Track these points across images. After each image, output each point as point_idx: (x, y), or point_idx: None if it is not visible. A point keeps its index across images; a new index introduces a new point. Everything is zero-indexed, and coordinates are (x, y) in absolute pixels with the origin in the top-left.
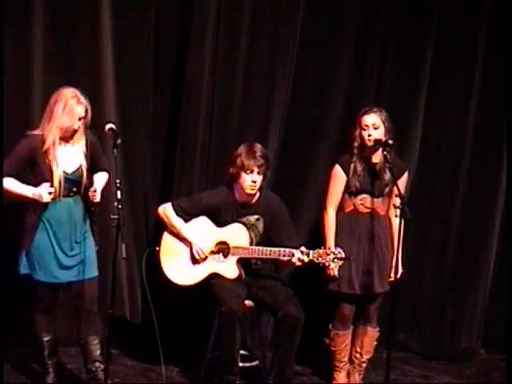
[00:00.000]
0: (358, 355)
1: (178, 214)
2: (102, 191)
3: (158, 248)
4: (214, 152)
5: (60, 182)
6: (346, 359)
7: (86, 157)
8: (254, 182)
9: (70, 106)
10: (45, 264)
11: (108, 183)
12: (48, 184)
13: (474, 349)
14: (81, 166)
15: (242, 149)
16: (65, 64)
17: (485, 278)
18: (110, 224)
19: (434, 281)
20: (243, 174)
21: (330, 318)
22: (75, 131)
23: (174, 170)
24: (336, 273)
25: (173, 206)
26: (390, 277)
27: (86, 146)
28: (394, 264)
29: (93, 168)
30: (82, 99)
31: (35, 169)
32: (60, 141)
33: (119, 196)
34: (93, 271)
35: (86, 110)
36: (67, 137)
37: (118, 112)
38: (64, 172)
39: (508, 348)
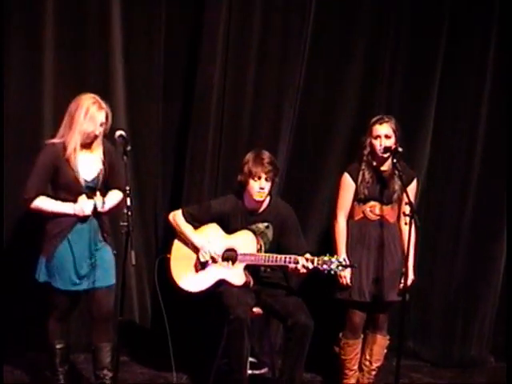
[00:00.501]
0: (367, 363)
1: (187, 221)
2: (128, 219)
3: (168, 255)
4: (223, 160)
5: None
6: (355, 367)
7: (104, 164)
8: (262, 188)
9: (92, 112)
10: (64, 272)
11: (119, 204)
12: (84, 196)
13: (484, 357)
14: (99, 174)
15: (249, 156)
16: (75, 74)
17: (494, 286)
18: (120, 231)
19: (444, 289)
20: (251, 181)
21: (340, 326)
22: (96, 137)
23: (183, 178)
24: (348, 281)
25: (183, 213)
26: (400, 285)
27: (104, 153)
28: (404, 271)
29: (107, 180)
30: (103, 104)
31: (57, 177)
32: (80, 147)
33: (129, 203)
34: (110, 279)
35: (107, 116)
36: (87, 143)
37: (127, 120)
38: (84, 180)
39: (508, 356)
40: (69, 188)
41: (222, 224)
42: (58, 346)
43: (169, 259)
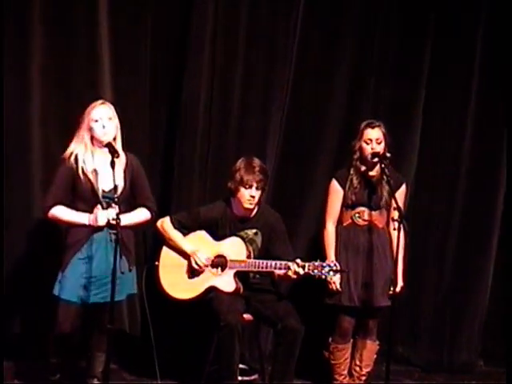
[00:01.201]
0: (357, 368)
1: (175, 228)
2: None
3: (157, 263)
4: (211, 166)
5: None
6: (345, 372)
7: (125, 177)
8: (253, 196)
9: (93, 106)
10: (76, 283)
11: (144, 223)
12: (100, 207)
13: (473, 361)
14: (117, 186)
15: (240, 163)
16: (63, 81)
17: (483, 291)
18: (109, 239)
19: (433, 294)
20: (242, 189)
21: (330, 331)
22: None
23: (172, 185)
24: (338, 286)
25: (171, 220)
26: (390, 290)
27: (126, 164)
28: (393, 277)
29: (133, 195)
30: (108, 104)
31: (75, 186)
32: (96, 154)
33: (117, 210)
34: (118, 295)
35: (114, 115)
36: (101, 148)
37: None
38: (102, 190)
39: (508, 362)
40: (86, 198)
41: (211, 231)
42: (56, 361)
43: (157, 267)
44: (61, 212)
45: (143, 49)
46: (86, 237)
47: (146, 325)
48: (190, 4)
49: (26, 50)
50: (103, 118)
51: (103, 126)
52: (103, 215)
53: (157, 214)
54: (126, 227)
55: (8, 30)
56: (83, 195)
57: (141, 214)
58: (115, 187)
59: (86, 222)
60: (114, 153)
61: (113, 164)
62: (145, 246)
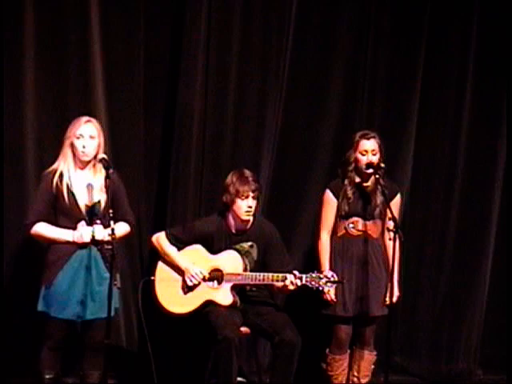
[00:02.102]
0: (355, 379)
1: (171, 243)
2: (112, 242)
3: (153, 277)
4: (206, 180)
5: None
6: (343, 383)
7: (107, 192)
8: (250, 207)
9: (77, 120)
10: (62, 300)
11: (125, 236)
12: (84, 223)
13: (472, 370)
14: (100, 201)
15: (232, 176)
16: (56, 93)
17: (480, 299)
18: (104, 254)
19: (430, 303)
20: (238, 201)
21: (327, 342)
22: (87, 155)
23: (167, 199)
24: (333, 297)
25: (166, 234)
26: (385, 300)
27: (108, 182)
28: (389, 287)
29: (113, 210)
30: (93, 120)
31: (57, 202)
32: (79, 172)
33: (112, 225)
34: (105, 312)
35: (97, 132)
36: (84, 165)
37: (110, 142)
38: (85, 205)
39: (508, 369)
40: (68, 214)
41: (207, 244)
42: (48, 377)
43: (153, 281)
44: (44, 229)
45: (136, 62)
46: (69, 253)
47: (144, 340)
48: (183, 17)
49: (18, 64)
50: (85, 137)
51: (83, 146)
52: (88, 232)
53: (136, 227)
54: (108, 243)
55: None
56: (66, 211)
57: (122, 228)
58: (99, 203)
59: (70, 239)
60: (108, 168)
61: (108, 177)
62: (141, 260)
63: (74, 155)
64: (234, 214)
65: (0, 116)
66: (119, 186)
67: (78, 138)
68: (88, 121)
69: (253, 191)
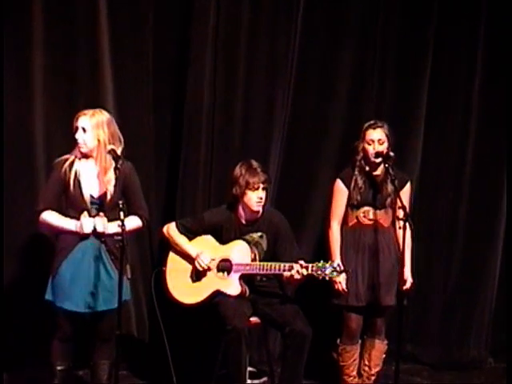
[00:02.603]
0: (366, 368)
1: (181, 233)
2: (122, 234)
3: (164, 268)
4: (216, 171)
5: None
6: (354, 373)
7: (116, 184)
8: (261, 198)
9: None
10: (66, 291)
11: (137, 231)
12: (86, 213)
13: (483, 358)
14: (106, 193)
15: (241, 168)
16: (64, 86)
17: (491, 286)
18: (114, 245)
19: (441, 291)
20: (249, 193)
21: (338, 332)
22: (82, 147)
23: (176, 190)
24: (344, 287)
25: (176, 225)
26: (398, 289)
27: (118, 173)
28: (400, 276)
29: (126, 204)
30: (90, 113)
31: (65, 192)
32: (88, 162)
33: (122, 217)
34: (112, 303)
35: (92, 126)
36: (87, 156)
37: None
38: (90, 196)
39: (508, 355)
40: (74, 204)
41: (216, 235)
42: (59, 368)
43: (164, 272)
44: (50, 217)
45: (145, 52)
46: (74, 244)
47: (155, 330)
48: (192, 7)
49: (26, 55)
50: (79, 129)
51: (77, 138)
52: (89, 223)
53: (148, 222)
54: (115, 235)
55: (8, 41)
56: (72, 201)
57: (133, 223)
58: (105, 195)
59: (74, 229)
60: (117, 159)
61: (116, 171)
62: (151, 251)
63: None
64: (245, 206)
65: (8, 108)
66: (132, 178)
67: (74, 130)
68: (84, 114)
69: (263, 182)
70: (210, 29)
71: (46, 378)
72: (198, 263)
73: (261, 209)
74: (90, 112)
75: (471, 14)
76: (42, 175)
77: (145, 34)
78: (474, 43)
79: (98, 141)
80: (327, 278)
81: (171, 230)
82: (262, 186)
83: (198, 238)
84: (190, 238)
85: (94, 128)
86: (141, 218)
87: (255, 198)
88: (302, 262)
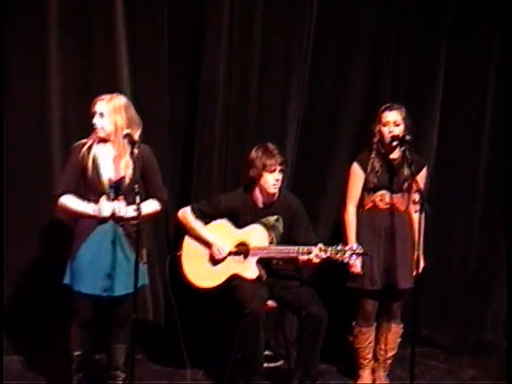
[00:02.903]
0: (382, 352)
1: (197, 217)
2: (138, 217)
3: (179, 252)
4: (231, 155)
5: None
6: (370, 356)
7: (134, 168)
8: (278, 180)
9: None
10: (84, 274)
11: (154, 214)
12: (105, 197)
13: (500, 341)
14: (125, 177)
15: (257, 151)
16: (80, 69)
17: (508, 271)
18: (132, 229)
19: (458, 274)
20: (265, 175)
21: (353, 315)
22: (102, 136)
23: (192, 174)
24: (359, 270)
25: (192, 209)
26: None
27: (136, 157)
28: (416, 259)
29: (144, 187)
30: (106, 98)
31: (84, 175)
32: (106, 146)
33: (138, 200)
34: (129, 287)
35: (109, 111)
36: (104, 140)
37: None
38: (109, 179)
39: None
40: (92, 187)
41: (232, 219)
42: (76, 353)
43: (180, 256)
44: (69, 201)
45: (160, 34)
46: (92, 228)
47: (171, 314)
48: None
49: (43, 39)
50: (96, 113)
51: (94, 123)
52: (107, 206)
53: (167, 204)
54: (134, 219)
55: (26, 24)
56: (90, 185)
57: (151, 206)
58: (123, 179)
59: (92, 213)
60: (133, 143)
61: (132, 153)
62: (167, 235)
63: None
64: (261, 188)
65: (23, 93)
66: (150, 161)
67: (91, 115)
68: (101, 99)
69: (279, 164)
70: (226, 8)
71: (64, 363)
72: (215, 253)
73: (277, 191)
74: (107, 97)
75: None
76: (58, 160)
77: (160, 15)
78: (490, 30)
79: (115, 126)
80: (346, 261)
81: (187, 214)
82: (278, 168)
83: (214, 223)
84: (206, 223)
85: (111, 113)
86: (160, 200)
87: (272, 181)
88: (321, 245)
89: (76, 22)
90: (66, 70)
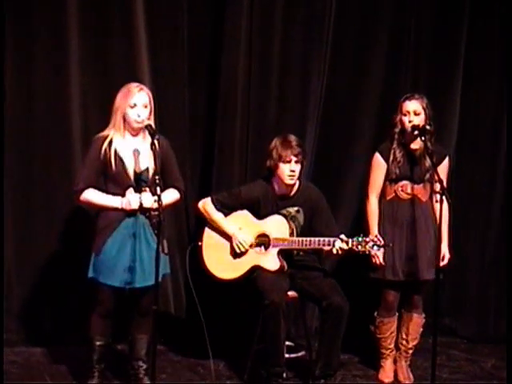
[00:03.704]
0: (404, 342)
1: (217, 209)
2: (159, 208)
3: (200, 243)
4: (251, 145)
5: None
6: (392, 346)
7: (155, 159)
8: (293, 171)
9: (129, 89)
10: (111, 267)
11: (175, 203)
12: (132, 189)
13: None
14: (149, 168)
15: (276, 141)
16: (100, 59)
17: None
18: (152, 221)
19: (477, 264)
20: (281, 165)
21: (375, 305)
22: (140, 123)
23: (212, 165)
24: (382, 260)
25: (212, 200)
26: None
27: (154, 148)
28: (437, 250)
29: (163, 177)
30: (144, 88)
31: (106, 169)
32: (128, 138)
33: (158, 192)
34: (151, 278)
35: (149, 100)
36: (135, 132)
37: (154, 110)
38: (134, 171)
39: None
40: (117, 180)
41: (253, 210)
42: (98, 343)
43: (201, 247)
44: (93, 195)
45: (180, 27)
46: (118, 220)
47: (191, 306)
48: None
49: (63, 30)
50: (138, 106)
51: (138, 115)
52: (136, 199)
53: (185, 194)
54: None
55: (44, 16)
56: (115, 178)
57: (171, 195)
58: (147, 170)
59: (119, 206)
60: (153, 134)
61: (153, 146)
62: (187, 226)
63: (125, 122)
64: (278, 179)
65: (44, 83)
66: (168, 152)
67: (132, 107)
68: (141, 89)
69: (295, 155)
70: (245, 3)
71: (86, 353)
72: (237, 245)
73: (293, 182)
74: (144, 87)
75: None
76: (78, 151)
77: (180, 7)
78: (509, 17)
79: (150, 115)
80: (367, 252)
81: (207, 205)
82: (294, 159)
83: (235, 214)
84: (226, 214)
85: (151, 102)
86: (179, 190)
87: (287, 171)
88: (342, 237)
89: (96, 15)
90: (87, 62)
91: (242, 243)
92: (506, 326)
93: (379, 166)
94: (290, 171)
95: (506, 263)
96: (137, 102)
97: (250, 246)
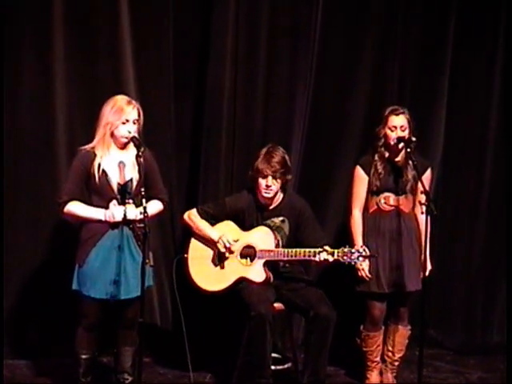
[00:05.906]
0: (390, 354)
1: (202, 218)
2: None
3: (186, 255)
4: (237, 158)
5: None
6: (378, 359)
7: (139, 171)
8: (268, 186)
9: (119, 105)
10: (94, 279)
11: (158, 214)
12: (115, 202)
13: (506, 343)
14: (132, 179)
15: (261, 152)
16: (85, 71)
17: (508, 272)
18: (136, 233)
19: (464, 276)
20: (259, 179)
21: (362, 318)
22: (127, 142)
23: (198, 177)
24: (367, 273)
25: (197, 211)
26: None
27: (140, 160)
28: (423, 261)
29: (146, 189)
30: (134, 103)
31: (90, 181)
32: (112, 151)
33: (144, 203)
34: (136, 290)
35: (139, 114)
36: (121, 146)
37: None
38: (117, 183)
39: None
40: (100, 193)
41: (238, 221)
42: (84, 357)
43: (186, 259)
44: (76, 208)
45: (165, 37)
46: (101, 232)
47: (177, 318)
48: None
49: (48, 45)
50: (130, 122)
51: (128, 131)
52: (120, 211)
53: (169, 205)
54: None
55: (30, 27)
56: (98, 191)
57: (155, 206)
58: (131, 181)
59: (102, 218)
60: (139, 146)
61: (138, 158)
62: (173, 238)
63: (112, 137)
64: (257, 190)
65: (28, 96)
66: (152, 164)
67: (123, 123)
68: (133, 106)
69: (273, 172)
70: (231, 16)
71: (71, 366)
72: (221, 244)
73: (269, 196)
74: (134, 102)
75: None
76: (63, 163)
77: (165, 21)
78: (496, 27)
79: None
80: (353, 264)
81: (192, 215)
82: (271, 174)
83: (220, 224)
84: (212, 224)
85: (140, 117)
86: (162, 201)
87: (263, 185)
88: (327, 248)
89: (81, 26)
90: (71, 74)
91: (226, 242)
92: (506, 335)
93: (360, 179)
94: (265, 186)
95: (506, 275)
96: (129, 118)
97: (232, 252)
